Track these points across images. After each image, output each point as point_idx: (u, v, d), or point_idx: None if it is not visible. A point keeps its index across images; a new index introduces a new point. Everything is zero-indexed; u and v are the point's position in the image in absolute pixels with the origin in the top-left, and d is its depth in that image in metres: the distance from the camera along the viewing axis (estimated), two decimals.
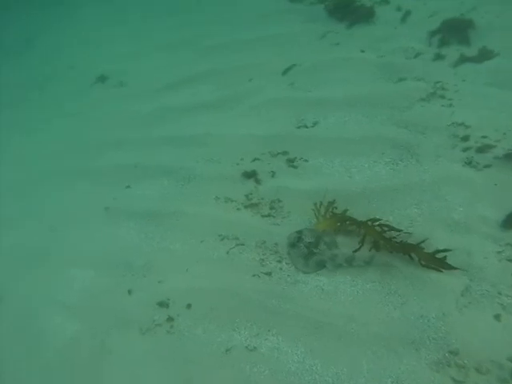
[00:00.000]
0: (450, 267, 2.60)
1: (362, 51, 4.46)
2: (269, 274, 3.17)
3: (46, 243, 4.22)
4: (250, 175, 3.74)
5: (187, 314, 3.18)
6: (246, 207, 3.58)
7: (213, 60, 5.42)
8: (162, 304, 3.29)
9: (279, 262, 3.21)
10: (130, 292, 3.43)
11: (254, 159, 3.86)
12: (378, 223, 2.77)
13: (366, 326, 2.73)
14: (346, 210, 3.00)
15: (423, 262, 2.59)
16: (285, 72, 4.50)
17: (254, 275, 3.20)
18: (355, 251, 2.79)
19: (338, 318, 2.81)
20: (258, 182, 3.69)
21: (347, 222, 2.87)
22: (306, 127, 3.91)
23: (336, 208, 3.05)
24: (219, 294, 3.19)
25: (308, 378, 2.62)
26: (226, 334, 3.00)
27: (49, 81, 7.27)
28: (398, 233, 2.78)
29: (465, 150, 3.33)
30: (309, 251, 3.09)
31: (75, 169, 4.90)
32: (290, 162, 3.71)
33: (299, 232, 3.20)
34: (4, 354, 3.56)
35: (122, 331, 3.26)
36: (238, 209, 3.60)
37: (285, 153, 3.80)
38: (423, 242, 2.71)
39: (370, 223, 2.75)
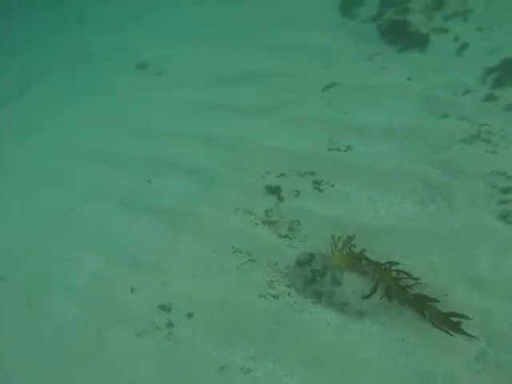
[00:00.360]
0: (465, 333, 2.44)
1: (409, 79, 4.29)
2: (276, 297, 3.09)
3: (62, 221, 4.28)
4: (274, 191, 3.66)
5: (187, 323, 3.15)
6: (264, 223, 3.51)
7: (259, 62, 5.31)
8: (164, 307, 3.27)
9: (288, 286, 3.13)
10: (133, 290, 3.42)
11: (280, 175, 3.78)
12: (395, 268, 2.64)
13: (367, 370, 2.63)
14: (363, 250, 2.88)
15: (435, 322, 2.44)
16: (326, 88, 4.37)
17: (260, 295, 3.13)
18: (366, 297, 2.67)
19: (340, 356, 2.72)
20: (280, 199, 3.61)
21: (363, 262, 2.74)
22: (338, 150, 3.79)
23: (354, 246, 2.93)
24: (222, 307, 3.14)
25: None
26: (223, 351, 2.96)
27: (90, 61, 7.34)
28: (414, 281, 2.65)
29: (502, 202, 3.14)
30: (312, 277, 3.00)
31: (100, 152, 4.94)
32: (317, 184, 3.61)
33: (311, 255, 3.10)
34: (6, 325, 3.63)
35: (121, 327, 3.26)
36: (255, 223, 3.53)
37: (312, 173, 3.70)
38: (438, 299, 2.56)
39: (386, 266, 2.62)
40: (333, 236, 2.95)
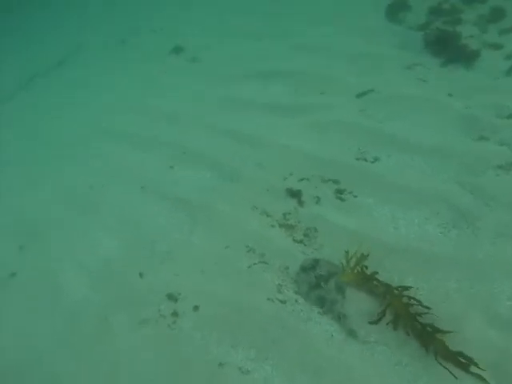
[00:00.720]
0: (472, 373, 2.33)
1: (450, 95, 4.11)
2: (284, 302, 3.06)
3: (81, 198, 4.36)
4: (295, 194, 3.61)
5: (192, 315, 3.16)
6: (280, 226, 3.47)
7: (294, 60, 5.20)
8: (171, 297, 3.29)
9: (296, 293, 3.09)
10: (142, 275, 3.47)
11: (303, 179, 3.72)
12: (406, 294, 2.55)
13: None
14: (375, 273, 2.80)
15: (439, 359, 2.34)
16: (360, 95, 4.25)
17: (268, 299, 3.11)
18: (372, 323, 2.60)
19: (340, 370, 2.67)
20: (300, 203, 3.56)
21: (374, 283, 2.67)
22: (366, 161, 3.69)
23: (367, 267, 2.85)
24: (229, 305, 3.14)
25: None
26: (224, 348, 2.96)
27: (126, 42, 7.38)
28: (426, 310, 2.56)
29: None
30: (316, 283, 2.99)
31: (125, 133, 4.99)
32: (339, 192, 3.54)
33: (316, 261, 3.09)
34: (18, 297, 3.74)
35: (127, 311, 3.31)
36: (272, 225, 3.50)
37: (336, 181, 3.63)
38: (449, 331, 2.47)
39: (397, 292, 2.54)
40: (346, 252, 2.88)
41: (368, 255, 2.82)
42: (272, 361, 2.82)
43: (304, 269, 3.09)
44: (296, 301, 3.05)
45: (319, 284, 2.98)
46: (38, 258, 3.93)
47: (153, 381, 2.93)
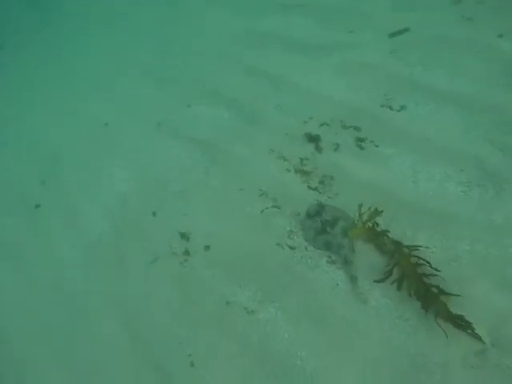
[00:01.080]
0: (470, 330, 2.35)
1: (500, 36, 3.68)
2: (293, 248, 3.10)
3: (96, 133, 4.35)
4: (313, 139, 3.48)
5: (203, 255, 3.25)
6: (296, 171, 3.40)
7: None
8: (184, 236, 3.37)
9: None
10: (155, 213, 3.52)
11: (323, 124, 3.56)
12: (415, 254, 2.51)
13: (365, 338, 2.66)
14: (386, 231, 2.74)
15: (439, 320, 2.35)
16: (393, 35, 3.86)
17: (278, 244, 3.14)
18: (378, 281, 2.60)
19: (343, 321, 2.75)
20: (318, 149, 3.44)
21: (384, 240, 2.63)
22: (391, 109, 3.47)
23: (378, 224, 2.78)
24: (239, 248, 3.20)
25: (288, 363, 2.66)
26: (232, 289, 3.07)
27: None
28: (434, 271, 2.53)
29: None
30: (322, 228, 3.00)
31: (145, 66, 4.80)
32: (359, 141, 3.38)
33: (320, 206, 3.08)
34: (44, 223, 3.91)
35: (141, 247, 3.43)
36: (288, 170, 3.43)
37: (357, 128, 3.45)
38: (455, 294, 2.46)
39: (407, 250, 2.50)
40: (360, 205, 2.82)
41: (382, 211, 2.75)
42: (277, 304, 2.92)
43: (309, 215, 3.09)
44: (305, 248, 3.07)
45: (325, 229, 2.99)
46: (59, 193, 4.04)
47: (163, 310, 3.09)
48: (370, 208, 2.76)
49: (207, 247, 3.29)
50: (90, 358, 3.12)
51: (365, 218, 2.69)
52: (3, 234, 4.04)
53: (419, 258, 2.48)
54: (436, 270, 2.51)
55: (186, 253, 3.31)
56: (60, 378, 3.09)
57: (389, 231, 2.74)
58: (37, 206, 4.08)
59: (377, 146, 3.33)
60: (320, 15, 4.29)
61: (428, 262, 2.50)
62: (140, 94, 4.58)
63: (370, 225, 2.65)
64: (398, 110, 3.44)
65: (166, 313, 3.12)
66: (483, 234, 2.79)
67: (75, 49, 5.82)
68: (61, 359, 3.18)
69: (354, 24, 4.09)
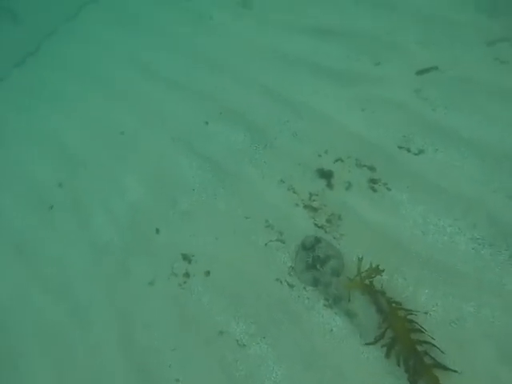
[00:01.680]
0: None
1: None
2: (291, 286, 3.07)
3: (114, 143, 4.41)
4: (325, 175, 3.43)
5: (203, 279, 3.27)
6: (304, 207, 3.35)
7: (356, 18, 4.41)
8: (186, 257, 3.39)
9: (314, 285, 3.05)
10: (158, 230, 3.56)
11: (338, 159, 3.49)
12: (413, 317, 2.44)
13: None
14: (383, 292, 2.65)
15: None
16: (421, 72, 3.74)
17: (277, 279, 3.13)
18: (368, 344, 2.54)
19: (333, 366, 2.72)
20: (329, 186, 3.39)
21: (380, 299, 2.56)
22: (408, 151, 3.37)
23: (371, 282, 2.70)
24: (238, 278, 3.21)
25: None
26: (226, 318, 3.08)
27: None
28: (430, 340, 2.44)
29: None
30: (312, 264, 3.00)
31: (167, 77, 4.81)
32: (372, 182, 3.31)
33: (317, 240, 3.08)
34: (56, 225, 4.01)
35: (144, 263, 3.47)
36: (296, 204, 3.39)
37: (371, 168, 3.38)
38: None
39: (403, 313, 2.42)
40: (360, 259, 2.76)
41: (383, 271, 2.68)
42: (269, 341, 2.92)
43: (304, 247, 3.09)
44: (304, 288, 3.03)
45: (315, 266, 2.99)
46: (73, 197, 4.12)
47: (158, 330, 3.12)
48: (371, 264, 2.69)
49: (207, 272, 3.30)
50: (85, 363, 3.21)
51: (363, 273, 2.61)
52: (18, 230, 4.17)
53: (414, 322, 2.40)
54: (432, 337, 2.43)
55: (186, 275, 3.33)
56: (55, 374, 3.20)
57: (385, 293, 2.67)
58: (50, 208, 4.18)
59: (389, 190, 3.25)
60: (350, 43, 4.17)
61: (424, 329, 2.42)
62: (160, 105, 4.60)
63: (368, 282, 2.57)
64: (416, 154, 3.34)
65: (160, 333, 3.16)
66: (492, 297, 2.69)
67: (99, 55, 5.89)
68: (58, 359, 3.28)
69: (383, 56, 3.96)
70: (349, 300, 2.77)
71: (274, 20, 4.76)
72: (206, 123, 4.16)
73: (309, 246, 3.08)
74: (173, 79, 4.75)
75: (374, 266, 2.61)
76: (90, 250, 3.75)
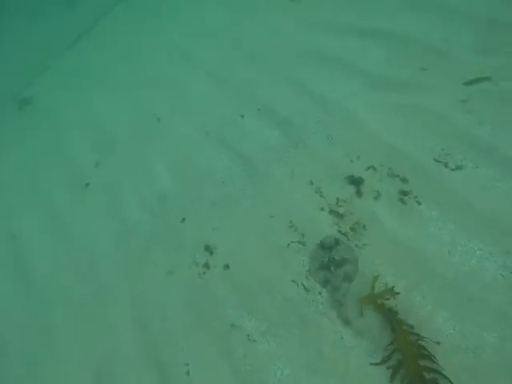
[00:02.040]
0: None
1: None
2: (307, 290, 3.08)
3: (149, 129, 4.55)
4: (355, 182, 3.36)
5: (222, 272, 3.34)
6: (330, 212, 3.32)
7: (404, 20, 4.16)
8: (208, 248, 3.47)
9: (323, 286, 3.05)
10: (184, 220, 3.65)
11: (370, 167, 3.41)
12: (421, 343, 2.36)
13: None
14: (396, 313, 2.58)
15: None
16: (470, 82, 3.52)
17: (294, 281, 3.14)
18: (374, 364, 2.49)
19: (336, 377, 2.71)
20: (358, 193, 3.32)
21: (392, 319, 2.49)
22: (445, 166, 3.23)
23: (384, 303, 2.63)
24: (256, 275, 3.25)
25: None
26: (240, 313, 3.14)
27: None
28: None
29: None
30: (327, 265, 3.01)
31: (206, 67, 4.84)
32: (403, 194, 3.21)
33: (336, 241, 3.07)
34: (91, 202, 4.22)
35: (167, 250, 3.59)
36: (322, 208, 3.36)
37: (404, 180, 3.27)
38: None
39: (413, 340, 2.35)
40: (375, 277, 2.70)
41: (398, 294, 2.61)
42: (279, 340, 2.95)
43: (322, 247, 3.10)
44: (319, 293, 3.03)
45: (329, 267, 3.01)
46: (108, 176, 4.31)
47: (172, 318, 3.24)
48: (386, 285, 2.63)
49: (227, 266, 3.36)
50: (100, 343, 3.40)
51: (377, 292, 2.56)
52: (54, 205, 4.44)
53: (423, 348, 2.33)
54: (441, 367, 2.35)
55: (206, 265, 3.42)
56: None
57: (397, 313, 2.60)
58: (87, 185, 4.41)
59: (419, 204, 3.14)
60: (394, 45, 4.00)
61: (433, 357, 2.34)
62: (198, 95, 4.66)
63: (380, 302, 2.51)
64: (453, 169, 3.19)
65: (175, 318, 3.28)
66: None
67: (143, 39, 6.02)
68: (80, 332, 3.49)
69: (429, 61, 3.77)
70: (361, 315, 2.73)
71: (319, 16, 4.63)
72: (242, 117, 4.18)
73: (327, 246, 3.08)
74: (211, 70, 4.80)
75: (389, 286, 2.54)
76: (116, 229, 3.94)
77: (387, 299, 2.51)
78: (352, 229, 3.20)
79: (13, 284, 4.04)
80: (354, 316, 2.79)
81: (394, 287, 2.56)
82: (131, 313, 3.42)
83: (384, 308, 2.51)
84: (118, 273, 3.69)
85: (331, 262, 3.01)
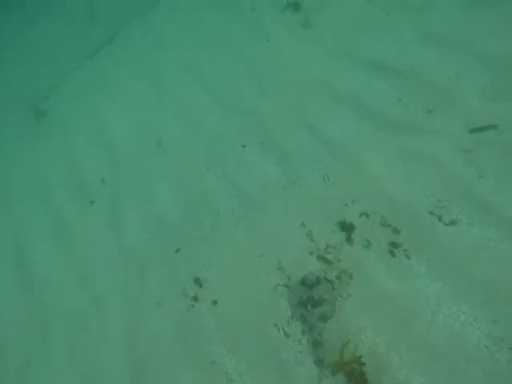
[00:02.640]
0: None
1: None
2: (287, 335, 3.11)
3: (153, 149, 4.67)
4: (346, 228, 3.33)
5: (209, 307, 3.47)
6: (318, 257, 3.32)
7: (415, 56, 3.99)
8: (198, 281, 3.57)
9: (303, 333, 3.07)
10: (178, 250, 3.75)
11: (363, 213, 3.36)
12: None
13: None
14: (365, 380, 2.57)
15: None
16: (475, 130, 3.37)
17: (275, 325, 3.18)
18: None
19: None
20: (349, 240, 3.29)
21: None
22: (439, 220, 3.13)
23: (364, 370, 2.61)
24: (242, 315, 3.34)
25: None
26: (221, 350, 3.23)
27: None
28: None
29: None
30: (304, 302, 3.05)
31: (214, 91, 4.86)
32: (393, 246, 3.15)
33: (317, 280, 3.09)
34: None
35: (160, 275, 3.72)
36: (311, 252, 3.36)
37: (395, 230, 3.21)
38: None
39: None
40: (344, 344, 2.67)
41: (365, 364, 2.59)
42: (256, 383, 3.00)
43: (303, 283, 3.13)
44: (299, 340, 3.05)
45: (305, 305, 3.05)
46: (112, 195, 4.56)
47: (158, 345, 3.37)
48: (353, 354, 2.60)
49: (215, 302, 3.44)
50: (89, 354, 3.60)
51: (346, 359, 2.54)
52: (59, 219, 4.69)
53: None
54: None
55: (195, 298, 3.51)
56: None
57: (367, 381, 2.59)
58: (92, 202, 4.61)
59: (409, 258, 3.08)
60: (403, 82, 3.85)
61: None
62: (204, 118, 4.71)
63: (348, 368, 2.51)
64: (447, 224, 3.10)
65: (161, 346, 3.41)
66: None
67: (159, 54, 6.10)
68: (72, 340, 3.71)
69: (437, 103, 3.62)
70: (333, 375, 2.74)
71: (329, 45, 4.50)
72: (244, 147, 4.19)
73: (308, 284, 3.11)
74: (221, 94, 4.80)
75: (356, 356, 2.53)
76: (117, 248, 4.13)
77: (355, 368, 2.49)
78: (338, 277, 3.19)
79: (15, 288, 4.34)
80: (329, 358, 2.79)
81: (361, 357, 2.54)
82: (122, 329, 3.62)
83: (355, 373, 2.50)
84: (113, 289, 3.87)
85: (310, 301, 3.05)
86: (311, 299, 3.05)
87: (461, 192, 3.18)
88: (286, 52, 4.73)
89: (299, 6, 5.01)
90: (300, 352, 3.01)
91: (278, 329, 3.14)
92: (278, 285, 3.30)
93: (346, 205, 3.45)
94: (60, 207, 4.82)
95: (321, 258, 3.30)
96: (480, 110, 3.45)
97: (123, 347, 3.53)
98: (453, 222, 3.10)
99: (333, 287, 3.15)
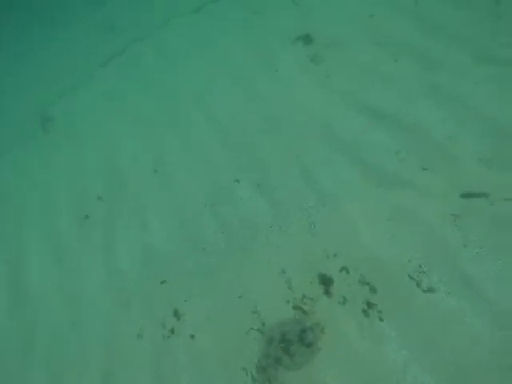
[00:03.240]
0: None
1: None
2: (254, 380, 3.17)
3: (147, 180, 4.84)
4: (325, 282, 3.36)
5: (186, 341, 3.58)
6: (294, 307, 3.36)
7: (418, 106, 3.89)
8: (176, 313, 3.66)
9: (269, 381, 3.13)
10: (163, 282, 3.86)
11: (343, 268, 3.37)
12: None
13: None
14: None
15: None
16: (467, 195, 3.28)
17: (244, 369, 3.25)
18: None
19: None
20: (327, 294, 3.32)
21: None
22: (418, 285, 3.09)
23: None
24: (216, 354, 3.43)
25: None
26: None
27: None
28: None
29: None
30: (280, 352, 3.15)
31: (218, 120, 4.91)
32: (368, 305, 3.16)
33: (301, 336, 3.16)
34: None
35: (142, 304, 3.82)
36: (287, 301, 3.40)
37: (373, 290, 3.21)
38: None
39: None
40: None
41: None
42: None
43: (283, 338, 3.20)
44: None
45: (280, 354, 3.15)
46: (106, 213, 4.68)
47: (133, 372, 3.50)
48: None
49: (192, 336, 3.54)
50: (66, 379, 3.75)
51: None
52: (53, 233, 4.88)
53: None
54: None
55: (172, 331, 3.61)
56: None
57: None
58: (86, 217, 4.78)
59: (381, 320, 3.08)
60: (403, 136, 3.78)
61: None
62: (203, 150, 4.75)
63: None
64: (424, 291, 3.08)
65: (136, 374, 3.53)
66: None
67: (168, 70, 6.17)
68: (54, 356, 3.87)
69: (433, 162, 3.56)
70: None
71: (336, 85, 4.47)
72: (237, 181, 4.24)
73: (291, 338, 3.20)
74: (224, 127, 4.84)
75: None
76: (105, 271, 4.28)
77: None
78: (310, 329, 3.22)
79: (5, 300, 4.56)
80: None
81: None
82: (101, 351, 3.76)
83: None
84: (97, 316, 4.01)
85: (286, 352, 3.15)
86: (289, 352, 3.14)
87: (443, 259, 3.15)
88: (291, 88, 4.73)
89: (311, 40, 5.00)
90: None
91: (247, 372, 3.21)
92: (252, 329, 3.36)
93: (328, 257, 3.47)
94: (54, 223, 5.01)
95: (296, 307, 3.34)
96: (474, 174, 3.40)
97: (98, 373, 3.67)
98: (430, 290, 3.08)
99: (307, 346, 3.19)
